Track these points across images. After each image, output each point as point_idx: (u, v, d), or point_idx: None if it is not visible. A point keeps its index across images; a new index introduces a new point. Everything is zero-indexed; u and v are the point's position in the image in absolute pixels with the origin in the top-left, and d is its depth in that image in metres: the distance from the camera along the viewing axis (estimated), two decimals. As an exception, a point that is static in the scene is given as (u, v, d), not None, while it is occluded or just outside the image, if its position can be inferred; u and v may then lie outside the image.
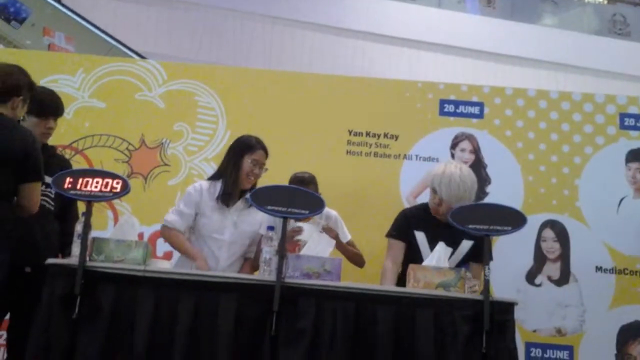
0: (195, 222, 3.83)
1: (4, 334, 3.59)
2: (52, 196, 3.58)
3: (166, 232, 3.84)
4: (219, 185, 3.88)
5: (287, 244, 3.30)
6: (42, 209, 3.50)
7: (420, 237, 3.89)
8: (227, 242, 3.81)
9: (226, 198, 3.83)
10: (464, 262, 3.82)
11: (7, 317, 3.49)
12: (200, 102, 5.13)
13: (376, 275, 3.99)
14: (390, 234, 3.99)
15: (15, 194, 3.18)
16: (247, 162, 3.86)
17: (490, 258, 3.16)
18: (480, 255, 3.36)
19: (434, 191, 3.88)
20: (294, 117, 5.10)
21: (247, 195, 3.86)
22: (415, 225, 3.93)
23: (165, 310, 2.98)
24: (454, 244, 3.69)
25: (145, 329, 2.93)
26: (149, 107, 5.11)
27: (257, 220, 3.88)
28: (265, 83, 5.23)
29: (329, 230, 4.01)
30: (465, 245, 3.82)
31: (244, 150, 3.91)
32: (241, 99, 5.14)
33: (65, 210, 3.68)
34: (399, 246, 3.91)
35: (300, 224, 3.79)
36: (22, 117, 3.50)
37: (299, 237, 3.69)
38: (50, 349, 2.86)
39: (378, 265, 4.05)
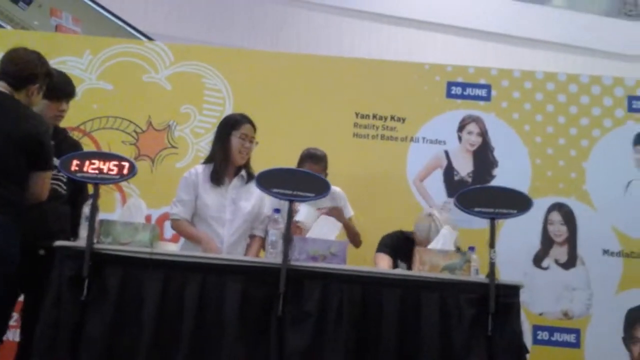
0: (195, 205, 3.84)
1: (17, 315, 3.61)
2: (65, 180, 3.58)
3: (175, 225, 3.86)
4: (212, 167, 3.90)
5: (293, 227, 3.30)
6: (54, 192, 3.51)
7: (402, 267, 3.95)
8: (228, 220, 3.82)
9: (217, 177, 3.83)
10: None
11: (21, 299, 3.53)
12: (207, 84, 5.13)
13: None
14: (384, 251, 4.06)
15: (26, 180, 3.19)
16: (235, 138, 3.86)
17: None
18: None
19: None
20: (301, 99, 5.10)
21: (243, 172, 3.88)
22: (400, 255, 3.98)
23: (172, 293, 3.00)
24: None
25: (153, 311, 2.95)
26: (156, 89, 5.11)
27: (254, 196, 3.88)
28: (272, 65, 5.22)
29: (333, 210, 4.03)
30: None
31: (230, 127, 3.90)
32: (248, 81, 5.14)
33: (76, 194, 3.68)
34: (390, 261, 3.97)
35: (300, 207, 3.78)
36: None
37: (297, 219, 3.69)
38: (58, 329, 2.89)
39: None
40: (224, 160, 3.86)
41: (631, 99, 5.06)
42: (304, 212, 3.73)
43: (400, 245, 4.07)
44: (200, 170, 3.89)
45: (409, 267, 3.83)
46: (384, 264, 3.99)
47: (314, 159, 4.23)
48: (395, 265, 3.98)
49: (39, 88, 3.29)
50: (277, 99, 5.07)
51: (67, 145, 3.62)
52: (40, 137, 3.19)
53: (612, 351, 4.65)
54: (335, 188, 4.23)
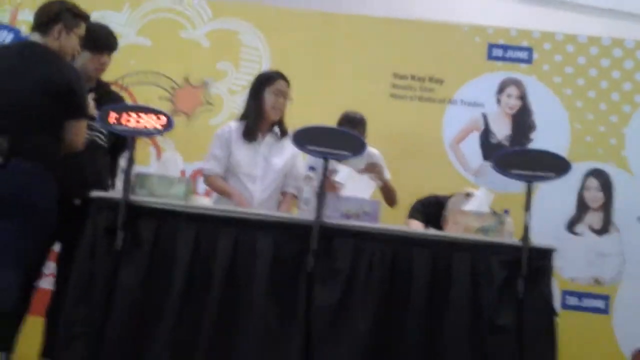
0: (228, 161, 3.85)
1: (53, 265, 3.67)
2: (105, 132, 3.62)
3: (207, 180, 3.89)
4: None
5: (327, 186, 3.30)
6: (93, 144, 3.56)
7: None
8: (260, 176, 3.83)
9: (250, 133, 3.84)
10: None
11: (57, 248, 3.59)
12: (244, 41, 5.12)
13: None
14: (416, 217, 4.02)
15: (61, 129, 3.22)
16: (269, 94, 3.86)
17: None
18: None
19: None
20: (339, 59, 5.06)
21: (276, 129, 3.89)
22: (432, 221, 3.94)
23: (204, 246, 3.03)
24: None
25: (185, 263, 2.99)
26: (193, 46, 5.11)
27: (287, 153, 3.90)
28: (310, 24, 5.17)
29: (373, 166, 4.01)
30: None
31: (263, 83, 3.90)
32: (285, 39, 5.11)
33: (117, 146, 3.72)
34: (422, 228, 3.91)
35: (339, 166, 3.77)
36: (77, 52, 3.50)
37: (336, 179, 3.68)
38: (92, 279, 2.94)
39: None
40: (258, 116, 3.86)
41: (676, 64, 4.94)
42: (344, 173, 3.71)
43: (433, 212, 4.03)
44: (233, 126, 3.90)
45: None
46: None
47: (352, 122, 4.16)
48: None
49: (65, 28, 3.26)
50: (315, 58, 5.04)
51: (108, 98, 3.65)
52: (72, 84, 3.19)
53: (641, 319, 4.63)
54: (373, 150, 4.21)
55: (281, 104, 3.87)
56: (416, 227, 3.91)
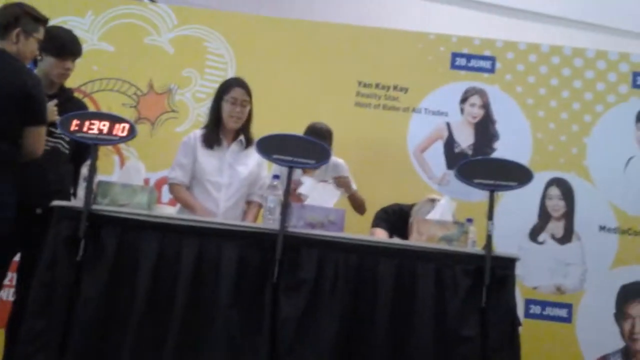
0: (194, 168, 3.83)
1: (14, 275, 3.61)
2: (67, 139, 3.56)
3: (172, 189, 3.86)
4: None
5: (292, 196, 3.29)
6: (55, 151, 3.50)
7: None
8: (225, 184, 3.81)
9: (208, 141, 3.83)
10: None
11: (17, 258, 3.52)
12: (209, 48, 5.10)
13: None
14: (380, 225, 4.03)
15: (20, 136, 3.16)
16: (225, 102, 3.85)
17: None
18: None
19: None
20: (304, 66, 5.07)
21: (241, 137, 3.88)
22: (396, 230, 3.96)
23: (168, 256, 3.00)
24: None
25: (148, 273, 2.95)
26: (158, 52, 5.08)
27: (252, 162, 3.89)
28: (276, 31, 5.18)
29: (342, 179, 4.02)
30: None
31: (221, 92, 3.90)
32: (251, 46, 5.10)
33: (79, 154, 3.67)
34: (387, 236, 3.94)
35: (303, 177, 3.77)
36: (39, 57, 3.46)
37: (300, 191, 3.68)
38: (53, 290, 2.89)
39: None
40: (215, 125, 3.86)
41: (636, 75, 5.03)
42: (308, 185, 3.70)
43: (397, 220, 4.05)
44: (199, 134, 3.89)
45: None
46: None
47: (318, 134, 4.11)
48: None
49: (24, 32, 3.21)
50: (280, 65, 5.04)
51: (71, 105, 3.60)
52: (31, 90, 3.13)
53: (603, 327, 4.68)
54: (338, 160, 4.22)
55: (238, 112, 3.84)
56: (381, 235, 3.93)
